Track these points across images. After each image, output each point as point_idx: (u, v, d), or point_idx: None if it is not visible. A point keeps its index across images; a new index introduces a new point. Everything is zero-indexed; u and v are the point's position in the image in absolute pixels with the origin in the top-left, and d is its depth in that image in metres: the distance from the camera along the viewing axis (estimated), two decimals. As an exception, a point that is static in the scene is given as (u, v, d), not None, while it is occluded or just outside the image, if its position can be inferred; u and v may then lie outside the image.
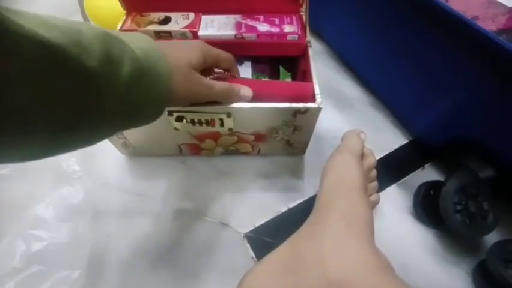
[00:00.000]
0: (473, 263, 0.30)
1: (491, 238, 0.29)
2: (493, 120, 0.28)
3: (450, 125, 0.33)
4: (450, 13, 0.27)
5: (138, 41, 0.21)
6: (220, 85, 0.26)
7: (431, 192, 0.32)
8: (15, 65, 0.13)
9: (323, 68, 0.47)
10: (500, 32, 0.35)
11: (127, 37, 0.20)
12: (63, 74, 0.16)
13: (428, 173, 0.36)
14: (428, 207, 0.32)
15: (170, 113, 0.28)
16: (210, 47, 0.26)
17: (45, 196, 0.32)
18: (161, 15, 0.35)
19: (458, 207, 0.28)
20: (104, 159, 0.36)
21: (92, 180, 0.34)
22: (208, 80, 0.25)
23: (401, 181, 0.36)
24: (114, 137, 0.32)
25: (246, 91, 0.28)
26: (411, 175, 0.36)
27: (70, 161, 0.35)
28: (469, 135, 0.31)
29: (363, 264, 0.19)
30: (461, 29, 0.27)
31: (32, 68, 0.14)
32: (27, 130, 0.15)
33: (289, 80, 0.37)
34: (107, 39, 0.18)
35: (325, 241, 0.20)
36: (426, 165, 0.37)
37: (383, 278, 0.19)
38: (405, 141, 0.39)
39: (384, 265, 0.20)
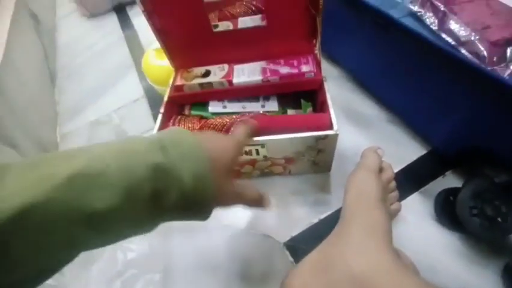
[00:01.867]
0: (502, 264, 0.32)
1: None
2: (500, 132, 0.31)
3: (463, 137, 0.36)
4: (453, 54, 0.31)
5: (189, 167, 0.21)
6: (250, 195, 0.28)
7: (451, 198, 0.35)
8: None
9: (341, 91, 0.53)
10: None
11: (179, 162, 0.20)
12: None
13: (449, 180, 0.39)
14: (449, 213, 0.34)
15: (217, 148, 0.36)
16: (239, 144, 0.27)
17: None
18: (202, 69, 0.44)
19: (475, 212, 0.31)
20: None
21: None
22: (238, 190, 0.27)
23: (422, 189, 0.39)
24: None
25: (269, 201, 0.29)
26: (432, 183, 0.39)
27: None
28: (482, 145, 0.34)
29: (382, 263, 0.23)
30: (462, 65, 0.31)
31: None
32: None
33: (310, 109, 0.43)
34: (156, 175, 0.19)
35: (347, 245, 0.24)
36: (447, 173, 0.40)
37: (401, 274, 0.22)
38: (423, 152, 0.42)
39: (403, 264, 0.24)
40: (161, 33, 0.41)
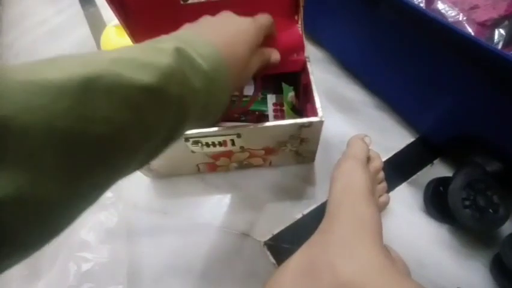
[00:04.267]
0: (490, 256, 0.31)
1: (510, 230, 0.30)
2: (492, 117, 0.29)
3: (452, 123, 0.34)
4: (444, 24, 0.28)
5: (203, 49, 0.20)
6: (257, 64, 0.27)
7: (441, 188, 0.33)
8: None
9: (326, 75, 0.49)
10: (502, 18, 0.35)
11: (193, 45, 0.20)
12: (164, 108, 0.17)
13: (437, 169, 0.37)
14: (438, 204, 0.33)
15: (186, 139, 0.31)
16: (260, 29, 0.26)
17: (86, 222, 0.36)
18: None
19: (467, 203, 0.29)
20: (131, 184, 0.39)
21: (124, 204, 0.38)
22: (251, 69, 0.26)
23: (410, 179, 0.37)
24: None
25: (276, 56, 0.29)
26: (420, 173, 0.37)
27: (103, 188, 0.39)
28: (472, 132, 0.32)
29: (371, 265, 0.21)
30: (454, 38, 0.28)
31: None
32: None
33: (292, 93, 0.39)
34: (180, 61, 0.18)
35: (334, 246, 0.22)
36: (435, 162, 0.38)
37: (390, 277, 0.20)
38: (411, 140, 0.40)
39: (394, 267, 0.21)
40: (117, 5, 0.34)
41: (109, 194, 0.39)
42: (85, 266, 0.33)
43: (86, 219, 0.37)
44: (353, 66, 0.47)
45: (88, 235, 0.35)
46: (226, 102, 0.23)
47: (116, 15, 0.35)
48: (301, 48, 0.32)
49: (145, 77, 0.16)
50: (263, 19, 0.28)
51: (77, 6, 0.70)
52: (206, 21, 0.26)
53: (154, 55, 0.17)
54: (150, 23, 0.37)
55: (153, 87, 0.16)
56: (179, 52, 0.19)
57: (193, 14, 0.36)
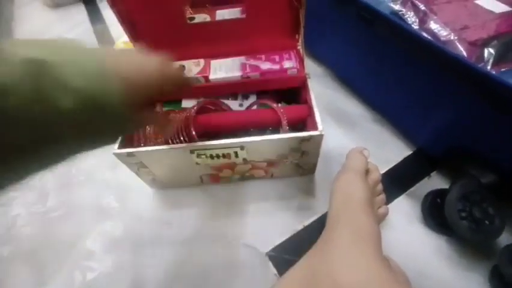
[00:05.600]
0: (489, 267, 0.31)
1: (506, 241, 0.30)
2: (486, 132, 0.30)
3: (447, 136, 0.35)
4: (435, 45, 0.30)
5: (82, 66, 0.18)
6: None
7: (438, 200, 0.34)
8: None
9: (325, 90, 0.51)
10: (491, 38, 0.37)
11: (67, 65, 0.18)
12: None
13: (434, 181, 0.38)
14: (436, 216, 0.33)
15: (192, 151, 0.32)
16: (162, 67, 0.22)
17: (91, 231, 0.37)
18: (176, 64, 0.40)
19: (463, 214, 0.29)
20: (137, 195, 0.40)
21: (129, 214, 0.39)
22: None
23: (408, 191, 0.38)
24: (144, 174, 0.37)
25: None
26: (418, 185, 0.38)
27: (109, 198, 0.40)
28: (466, 145, 0.33)
29: (371, 276, 0.21)
30: (449, 61, 0.29)
31: None
32: None
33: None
34: (38, 77, 0.17)
35: (334, 256, 0.22)
36: (432, 174, 0.39)
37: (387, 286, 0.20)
38: (409, 153, 0.41)
39: (393, 276, 0.22)
40: (128, 23, 0.37)
41: (114, 205, 0.39)
42: (90, 275, 0.33)
43: (91, 228, 0.38)
44: (351, 81, 0.49)
45: (94, 244, 0.36)
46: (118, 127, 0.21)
47: (127, 34, 0.38)
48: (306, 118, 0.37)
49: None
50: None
51: (87, 24, 0.73)
52: None
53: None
54: (159, 41, 0.39)
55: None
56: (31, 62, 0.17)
57: (199, 33, 0.38)
